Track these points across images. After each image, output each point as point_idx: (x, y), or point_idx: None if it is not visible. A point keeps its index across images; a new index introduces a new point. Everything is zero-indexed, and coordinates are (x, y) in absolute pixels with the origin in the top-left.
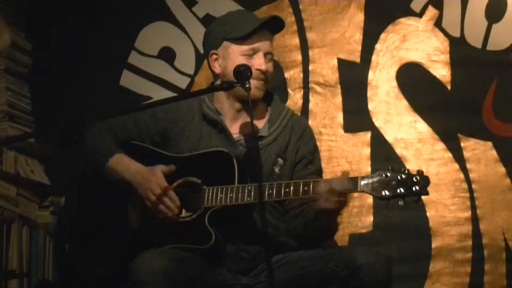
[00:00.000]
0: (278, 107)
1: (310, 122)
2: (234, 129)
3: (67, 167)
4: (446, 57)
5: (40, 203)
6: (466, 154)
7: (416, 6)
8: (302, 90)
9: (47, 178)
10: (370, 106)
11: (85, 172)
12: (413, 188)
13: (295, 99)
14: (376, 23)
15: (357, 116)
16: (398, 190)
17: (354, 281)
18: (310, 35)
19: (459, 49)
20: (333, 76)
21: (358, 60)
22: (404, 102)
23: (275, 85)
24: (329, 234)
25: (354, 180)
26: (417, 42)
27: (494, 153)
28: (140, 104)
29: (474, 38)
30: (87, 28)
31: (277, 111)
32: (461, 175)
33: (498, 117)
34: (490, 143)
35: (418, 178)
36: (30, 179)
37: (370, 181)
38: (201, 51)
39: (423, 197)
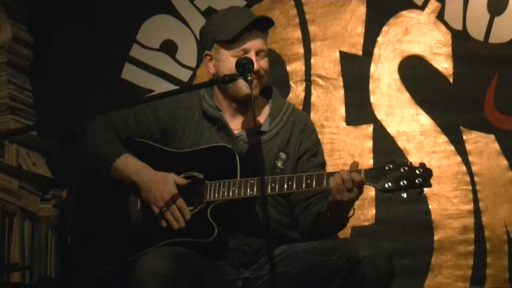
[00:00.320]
0: (279, 102)
1: (312, 115)
2: (235, 125)
3: (69, 160)
4: (448, 50)
5: (42, 196)
6: (469, 147)
7: None
8: (304, 83)
9: (49, 171)
10: (372, 99)
11: (86, 168)
12: (416, 181)
13: (297, 92)
14: (378, 16)
15: (359, 109)
16: (401, 183)
17: (356, 274)
18: (312, 28)
19: (461, 42)
20: (335, 69)
21: (360, 53)
22: (406, 95)
23: (277, 78)
24: (338, 229)
25: (358, 173)
26: (419, 35)
27: (496, 146)
28: (142, 97)
29: (476, 31)
30: (89, 22)
31: (278, 106)
32: (464, 168)
33: (500, 110)
34: (492, 136)
35: (421, 170)
36: (32, 172)
37: (373, 173)
38: None
39: (425, 189)
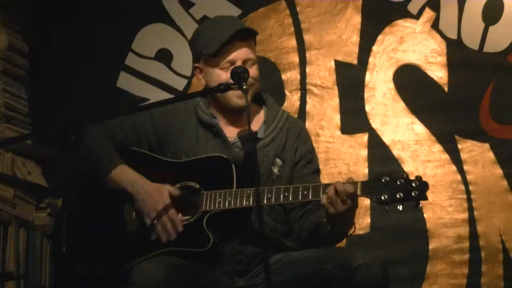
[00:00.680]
0: (274, 109)
1: (307, 124)
2: (230, 132)
3: (65, 169)
4: (443, 59)
5: (37, 205)
6: (463, 155)
7: (413, 8)
8: (299, 92)
9: (44, 180)
10: (367, 108)
11: (82, 176)
12: (412, 193)
13: (292, 100)
14: (373, 25)
15: (354, 118)
16: (398, 195)
17: (351, 283)
18: (307, 37)
19: (456, 51)
20: (330, 78)
21: (355, 62)
22: (401, 104)
23: (272, 87)
24: (336, 242)
25: (354, 185)
26: (414, 44)
27: (491, 154)
28: (137, 105)
29: (471, 40)
30: (84, 30)
31: (273, 113)
32: (458, 177)
33: (495, 119)
34: (487, 145)
35: (417, 183)
36: (27, 181)
37: (369, 185)
38: None
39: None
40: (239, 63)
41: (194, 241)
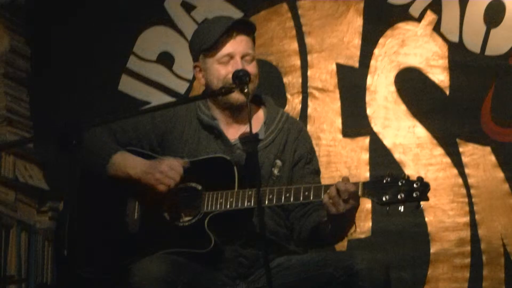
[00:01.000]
0: (274, 110)
1: (309, 127)
2: (230, 134)
3: (66, 172)
4: (444, 62)
5: (39, 208)
6: (465, 159)
7: (414, 10)
8: (301, 95)
9: (46, 183)
10: (369, 111)
11: (83, 177)
12: (414, 194)
13: (293, 104)
14: (374, 28)
15: (355, 121)
16: (399, 196)
17: (353, 286)
18: (309, 40)
19: (457, 54)
20: (331, 81)
21: (356, 65)
22: (403, 107)
23: (274, 90)
24: (336, 242)
25: (355, 185)
26: (416, 47)
27: (492, 158)
28: (139, 109)
29: (473, 43)
30: (86, 33)
31: (272, 114)
32: (460, 180)
33: (496, 122)
34: (488, 148)
35: (419, 184)
36: (28, 184)
37: (371, 186)
38: None
39: (422, 202)
40: (237, 57)
41: (195, 242)
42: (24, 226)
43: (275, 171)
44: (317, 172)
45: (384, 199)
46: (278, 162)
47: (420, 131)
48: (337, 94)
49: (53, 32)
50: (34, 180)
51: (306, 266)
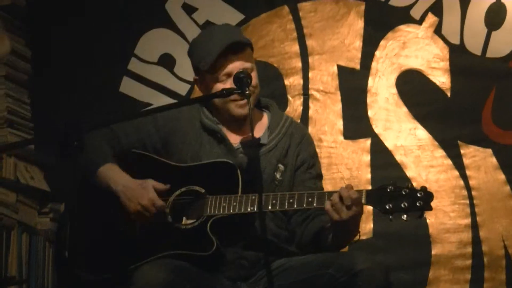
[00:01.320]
0: (278, 115)
1: (310, 129)
2: (234, 138)
3: (67, 173)
4: (445, 64)
5: (40, 209)
6: (466, 161)
7: (415, 13)
8: (302, 97)
9: (47, 185)
10: (370, 113)
11: (83, 180)
12: (417, 203)
13: (295, 106)
14: (375, 30)
15: (357, 123)
16: (402, 205)
17: (353, 287)
18: (310, 42)
19: (458, 56)
20: (333, 83)
21: (358, 67)
22: (404, 109)
23: (275, 92)
24: (338, 249)
25: (359, 193)
26: (417, 49)
27: (493, 160)
28: (140, 110)
29: (474, 45)
30: (87, 35)
31: (276, 119)
32: (461, 182)
33: (497, 124)
34: (489, 150)
35: (422, 193)
36: (29, 185)
37: (374, 194)
38: None
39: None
40: None
41: (197, 245)
42: (25, 227)
43: (278, 175)
44: (319, 176)
45: (387, 207)
46: (281, 167)
47: (421, 133)
48: (338, 96)
49: (53, 34)
50: (35, 181)
51: (306, 267)
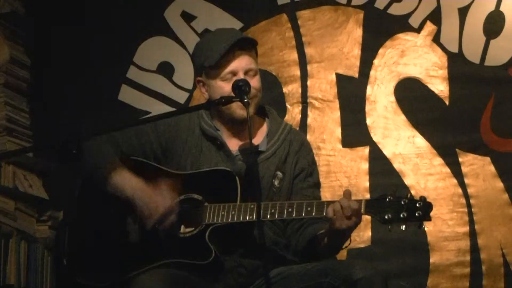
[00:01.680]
0: (276, 122)
1: (309, 137)
2: (233, 145)
3: (66, 181)
4: (444, 72)
5: (39, 217)
6: (464, 169)
7: (414, 21)
8: (300, 105)
9: (46, 193)
10: (368, 121)
11: (84, 186)
12: (416, 214)
13: (293, 113)
14: (374, 38)
15: (355, 131)
16: (401, 215)
17: None
18: (309, 50)
19: (457, 64)
20: (331, 91)
21: (356, 75)
22: (402, 117)
23: (273, 100)
24: (331, 255)
25: (358, 202)
26: (415, 57)
27: (492, 168)
28: (139, 118)
29: (472, 54)
30: (86, 43)
31: (275, 126)
32: (459, 190)
33: (496, 132)
34: (488, 158)
35: (421, 204)
36: (28, 193)
37: (373, 204)
38: None
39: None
40: (240, 74)
41: (196, 253)
42: (24, 235)
43: (276, 183)
44: (317, 185)
45: (386, 217)
46: (279, 174)
47: (420, 141)
48: (336, 104)
49: (53, 42)
50: (34, 189)
51: (305, 275)
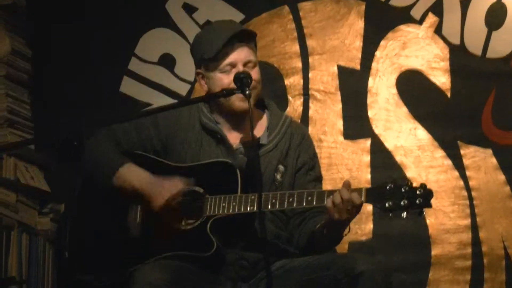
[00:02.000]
0: (277, 115)
1: (310, 129)
2: (233, 138)
3: (67, 174)
4: (446, 64)
5: (40, 209)
6: (466, 161)
7: (416, 13)
8: (302, 97)
9: (47, 185)
10: (370, 113)
11: (85, 181)
12: (417, 201)
13: (295, 106)
14: (376, 30)
15: (357, 123)
16: (402, 202)
17: None
18: (310, 42)
19: (459, 57)
20: (333, 83)
21: (358, 67)
22: (404, 109)
23: (275, 92)
24: (332, 246)
25: (358, 191)
26: (417, 49)
27: (493, 160)
28: (140, 110)
29: (474, 46)
30: (87, 35)
31: (276, 119)
32: (461, 183)
33: (497, 125)
34: (490, 151)
35: (422, 191)
36: (29, 185)
37: (374, 192)
38: None
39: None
40: (240, 66)
41: (197, 246)
42: (25, 227)
43: (278, 177)
44: (319, 178)
45: (387, 205)
46: (281, 168)
47: (421, 133)
48: (338, 96)
49: (54, 33)
50: (35, 181)
51: (308, 269)
